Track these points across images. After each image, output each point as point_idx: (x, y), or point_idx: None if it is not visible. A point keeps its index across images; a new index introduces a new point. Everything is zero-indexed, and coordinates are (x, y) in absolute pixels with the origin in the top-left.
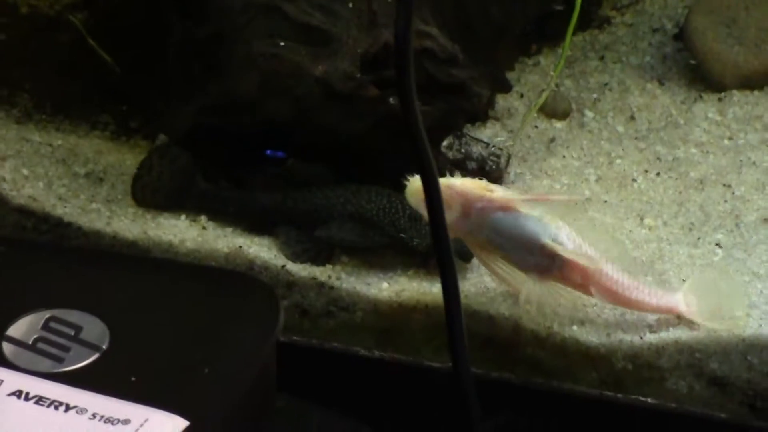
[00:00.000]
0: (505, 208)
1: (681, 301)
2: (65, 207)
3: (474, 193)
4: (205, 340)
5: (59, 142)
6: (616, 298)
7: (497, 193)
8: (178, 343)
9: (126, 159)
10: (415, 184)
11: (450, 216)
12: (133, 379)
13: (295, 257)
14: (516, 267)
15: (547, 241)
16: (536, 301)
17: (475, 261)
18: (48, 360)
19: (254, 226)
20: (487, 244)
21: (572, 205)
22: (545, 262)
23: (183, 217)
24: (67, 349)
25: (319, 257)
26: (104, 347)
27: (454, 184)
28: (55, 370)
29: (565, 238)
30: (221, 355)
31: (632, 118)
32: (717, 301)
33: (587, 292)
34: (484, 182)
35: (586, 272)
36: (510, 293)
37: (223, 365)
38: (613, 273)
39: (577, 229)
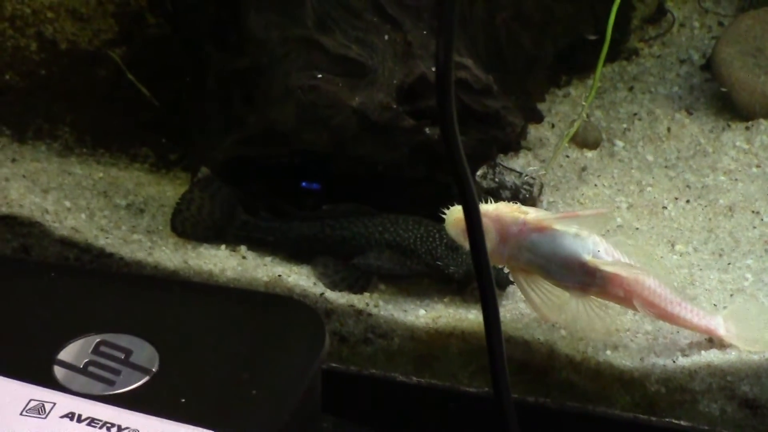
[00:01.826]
0: (541, 228)
1: (721, 324)
2: (107, 238)
3: (509, 217)
4: (253, 362)
5: (100, 174)
6: (659, 311)
7: (531, 214)
8: (226, 366)
9: (166, 190)
10: (453, 214)
11: (488, 243)
12: (182, 401)
13: (334, 285)
14: (558, 286)
15: (587, 257)
16: (581, 318)
17: (510, 289)
18: (99, 383)
19: (293, 255)
20: (528, 267)
21: (602, 218)
22: (587, 279)
23: (223, 247)
24: (117, 372)
25: (356, 285)
26: (154, 370)
27: (487, 210)
28: (107, 393)
29: (603, 252)
30: (268, 377)
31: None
32: (755, 327)
33: (630, 306)
34: (517, 205)
35: (628, 285)
36: (543, 320)
37: (270, 387)
38: (656, 286)
39: (614, 245)
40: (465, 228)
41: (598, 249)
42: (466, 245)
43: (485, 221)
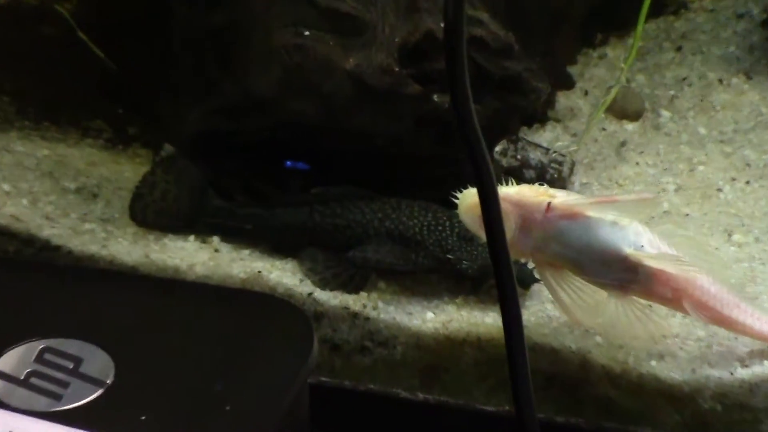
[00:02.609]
0: (572, 215)
1: None
2: (53, 227)
3: (533, 202)
4: (227, 373)
5: (45, 152)
6: (713, 314)
7: (559, 198)
8: (195, 377)
9: (124, 171)
10: (468, 198)
11: (507, 233)
12: (142, 418)
13: (324, 283)
14: (593, 283)
15: (628, 249)
16: (621, 322)
17: (535, 287)
18: (43, 397)
19: (276, 247)
20: (557, 261)
21: (645, 203)
22: (627, 275)
23: (192, 238)
24: (65, 385)
25: (351, 283)
26: (108, 382)
27: (508, 193)
28: (52, 409)
29: (647, 244)
30: (245, 391)
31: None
32: None
33: (679, 308)
34: (543, 188)
35: (677, 283)
36: (574, 324)
37: (247, 403)
38: (710, 285)
39: (660, 235)
40: (481, 215)
41: (640, 240)
42: (483, 235)
43: (505, 206)
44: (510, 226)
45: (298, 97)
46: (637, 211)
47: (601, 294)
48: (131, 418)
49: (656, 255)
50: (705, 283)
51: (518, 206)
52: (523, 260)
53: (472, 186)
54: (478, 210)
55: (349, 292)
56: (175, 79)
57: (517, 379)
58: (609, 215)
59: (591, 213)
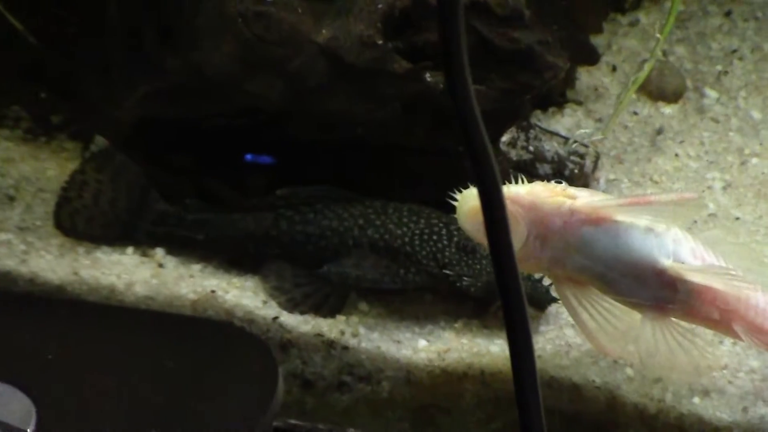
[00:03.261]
0: (597, 219)
1: None
2: None
3: (550, 204)
4: (171, 420)
5: None
6: None
7: (582, 199)
8: (133, 425)
9: (46, 168)
10: (468, 201)
11: (517, 242)
12: None
13: (293, 305)
14: (623, 303)
15: (666, 261)
16: (658, 350)
17: (552, 308)
18: None
19: (233, 261)
20: (579, 276)
21: (686, 205)
22: (665, 293)
23: (130, 250)
24: None
25: (326, 305)
26: (29, 431)
27: (518, 193)
28: None
29: (689, 254)
30: None
31: None
32: None
33: (728, 332)
34: (561, 186)
35: (726, 302)
36: (600, 353)
37: None
38: (766, 304)
39: (705, 243)
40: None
41: (681, 250)
42: (485, 243)
43: (515, 210)
44: (521, 233)
45: (258, 77)
46: (677, 215)
47: (634, 316)
48: None
49: (700, 268)
50: (760, 301)
51: (531, 209)
52: (537, 275)
53: (474, 185)
54: (479, 214)
55: (324, 315)
56: (108, 54)
57: (528, 422)
58: (642, 219)
59: (620, 217)
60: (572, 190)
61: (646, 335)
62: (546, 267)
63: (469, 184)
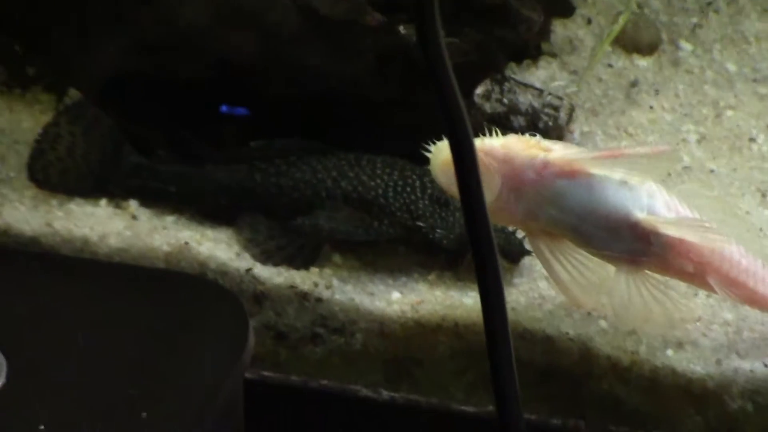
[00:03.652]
0: (571, 172)
1: None
2: None
3: (523, 157)
4: (144, 372)
5: None
6: (745, 294)
7: (556, 152)
8: (106, 378)
9: (20, 120)
10: (442, 152)
11: (490, 194)
12: (40, 428)
13: (267, 257)
14: (597, 256)
15: (640, 214)
16: (631, 303)
17: (526, 261)
18: None
19: (207, 213)
20: (553, 229)
21: (661, 157)
22: (639, 246)
23: (104, 202)
24: None
25: (300, 257)
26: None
27: (492, 146)
28: None
29: (663, 207)
30: (166, 393)
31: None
32: None
33: (702, 285)
34: (535, 139)
35: (700, 255)
36: (574, 306)
37: (166, 409)
38: (741, 257)
39: (680, 196)
40: None
41: (655, 202)
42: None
43: (488, 162)
44: (494, 186)
45: (233, 29)
46: (652, 167)
47: (608, 269)
48: (26, 428)
49: (675, 220)
50: (734, 254)
51: (505, 162)
52: (511, 228)
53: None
54: (453, 166)
55: (297, 267)
56: (83, 7)
57: (500, 373)
58: (617, 172)
59: (595, 170)
60: (546, 143)
61: (620, 288)
62: (520, 220)
63: (443, 137)
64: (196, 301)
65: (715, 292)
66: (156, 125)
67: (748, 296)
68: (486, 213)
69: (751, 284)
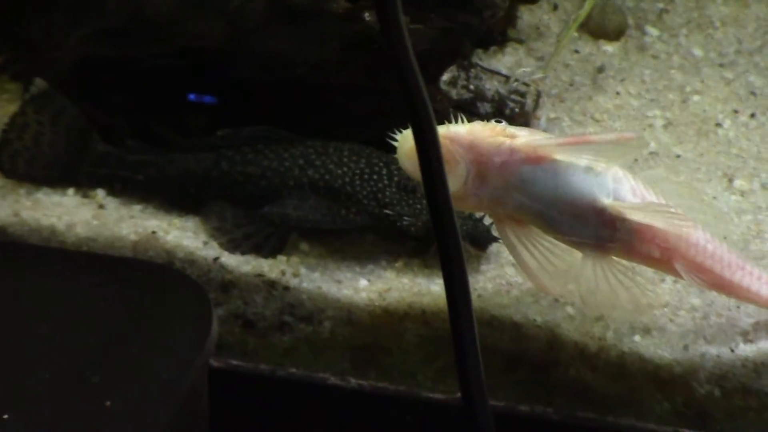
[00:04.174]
0: (537, 158)
1: None
2: None
3: (489, 143)
4: (106, 362)
5: None
6: (711, 278)
7: (522, 138)
8: (68, 367)
9: None
10: (409, 140)
11: (457, 181)
12: (4, 417)
13: (234, 246)
14: (563, 242)
15: (606, 200)
16: (598, 289)
17: (493, 248)
18: None
19: (174, 201)
20: (519, 215)
21: (627, 145)
22: (606, 232)
23: (71, 191)
24: None
25: (267, 245)
26: None
27: (458, 133)
28: None
29: (629, 193)
30: (129, 382)
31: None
32: None
33: (669, 270)
34: (501, 125)
35: (666, 241)
36: (541, 292)
37: (131, 397)
38: (707, 242)
39: (645, 182)
40: None
41: (621, 188)
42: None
43: (454, 149)
44: (461, 172)
45: (199, 16)
46: (618, 153)
47: (574, 255)
48: None
49: (641, 206)
50: (700, 239)
51: (471, 149)
52: (478, 214)
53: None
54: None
55: (265, 256)
56: None
57: (465, 360)
58: (583, 158)
59: (560, 156)
60: (512, 129)
61: (587, 274)
62: (486, 206)
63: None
64: (160, 289)
65: (682, 278)
66: (123, 114)
67: (714, 281)
68: (450, 199)
69: (717, 269)
